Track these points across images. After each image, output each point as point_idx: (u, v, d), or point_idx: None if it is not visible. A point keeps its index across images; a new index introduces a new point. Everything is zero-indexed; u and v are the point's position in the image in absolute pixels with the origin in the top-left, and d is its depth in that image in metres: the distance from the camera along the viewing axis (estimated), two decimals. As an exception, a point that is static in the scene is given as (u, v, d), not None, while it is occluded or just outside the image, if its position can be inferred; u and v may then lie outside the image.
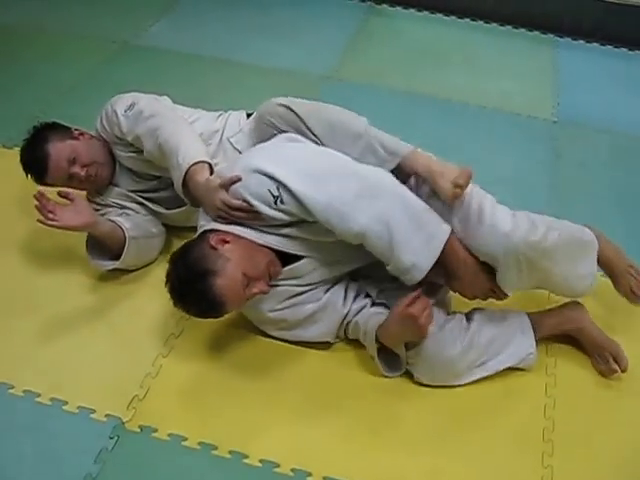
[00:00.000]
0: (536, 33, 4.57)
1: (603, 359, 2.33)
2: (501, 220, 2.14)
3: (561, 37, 4.53)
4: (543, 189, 3.20)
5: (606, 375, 2.33)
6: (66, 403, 2.17)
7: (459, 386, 2.26)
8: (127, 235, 2.47)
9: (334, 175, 2.06)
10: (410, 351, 2.19)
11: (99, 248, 2.51)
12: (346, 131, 2.28)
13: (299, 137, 2.26)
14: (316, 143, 2.26)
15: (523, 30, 4.59)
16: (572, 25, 4.53)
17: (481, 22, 4.63)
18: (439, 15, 4.68)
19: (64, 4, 4.47)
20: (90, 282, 2.58)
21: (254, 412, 2.18)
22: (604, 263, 2.44)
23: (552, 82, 4.06)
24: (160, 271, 2.56)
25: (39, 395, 2.18)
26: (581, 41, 4.52)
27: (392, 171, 2.21)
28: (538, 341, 2.31)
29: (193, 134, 2.41)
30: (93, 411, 2.15)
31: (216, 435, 2.11)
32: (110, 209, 2.64)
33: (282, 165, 2.05)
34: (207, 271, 1.98)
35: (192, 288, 2.00)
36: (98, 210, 2.63)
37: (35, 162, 2.49)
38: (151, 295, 2.46)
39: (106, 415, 2.14)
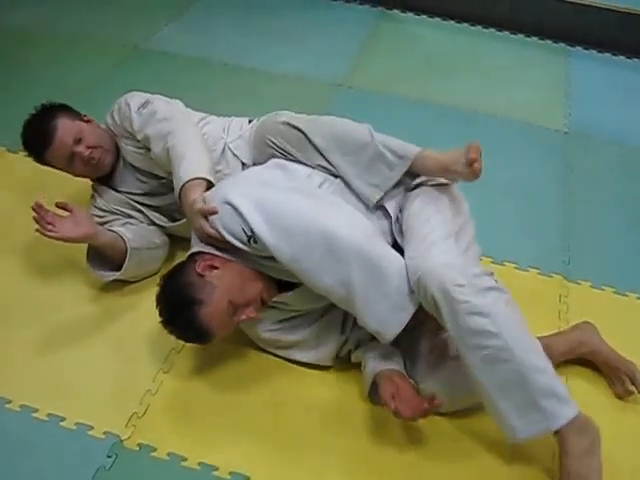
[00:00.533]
0: (548, 42, 4.51)
1: (619, 380, 2.25)
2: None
3: (572, 46, 4.47)
4: (554, 202, 3.13)
5: (622, 396, 2.24)
6: (64, 419, 2.08)
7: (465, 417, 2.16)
8: (128, 246, 2.39)
9: (303, 230, 1.93)
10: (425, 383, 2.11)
11: (100, 259, 2.44)
12: (352, 141, 2.21)
13: (288, 165, 2.18)
14: (322, 157, 2.19)
15: (535, 39, 4.53)
16: (584, 35, 4.48)
17: (493, 30, 4.57)
18: (451, 22, 4.62)
19: (74, 7, 4.41)
20: (90, 292, 2.49)
21: (257, 433, 2.10)
22: (590, 355, 2.30)
23: (563, 92, 3.99)
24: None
25: (36, 410, 2.09)
26: (593, 51, 4.46)
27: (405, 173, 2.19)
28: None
29: (200, 146, 2.33)
30: (91, 428, 2.06)
31: (217, 456, 2.02)
32: (113, 217, 2.57)
33: (257, 210, 1.95)
34: (192, 300, 1.94)
35: (178, 317, 1.98)
36: (101, 217, 2.56)
37: (40, 134, 2.41)
38: (152, 307, 2.33)
39: (104, 432, 2.05)
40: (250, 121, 2.57)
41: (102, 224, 2.51)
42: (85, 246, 2.42)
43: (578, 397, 2.10)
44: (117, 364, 2.25)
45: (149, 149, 2.41)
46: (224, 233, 1.96)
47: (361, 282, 1.93)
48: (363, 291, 1.93)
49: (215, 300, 1.94)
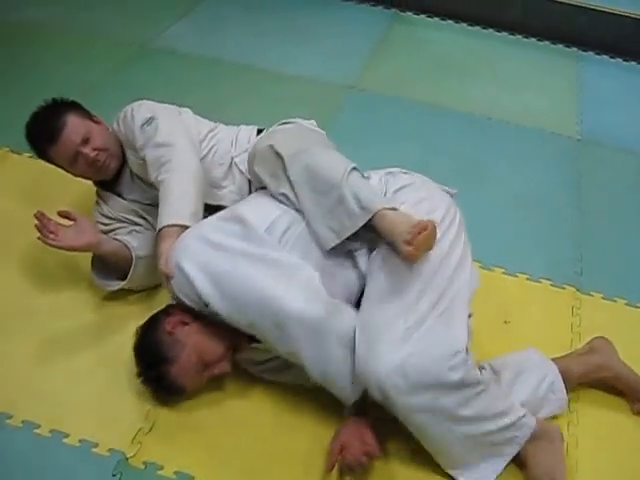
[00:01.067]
0: (559, 46, 4.42)
1: (639, 400, 2.18)
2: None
3: (584, 51, 4.37)
4: (567, 212, 3.04)
5: None
6: (67, 436, 1.99)
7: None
8: (134, 255, 2.30)
9: (254, 304, 1.85)
10: None
11: (104, 267, 2.35)
12: (322, 180, 1.98)
13: (247, 218, 1.97)
14: (291, 189, 2.02)
15: (547, 43, 4.43)
16: (596, 40, 4.38)
17: (505, 33, 4.47)
18: (463, 25, 4.52)
19: (82, 5, 4.29)
20: (95, 301, 2.40)
21: (268, 453, 2.00)
22: (612, 380, 2.22)
23: (575, 98, 3.90)
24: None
25: (39, 426, 2.00)
26: (604, 56, 4.37)
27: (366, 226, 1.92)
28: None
29: (191, 184, 2.17)
30: (96, 445, 1.97)
31: (226, 475, 1.94)
32: (119, 224, 2.47)
33: (208, 281, 1.89)
34: (161, 358, 1.94)
35: (149, 374, 1.99)
36: (107, 225, 2.47)
37: (48, 129, 2.31)
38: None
39: (109, 450, 1.96)
40: (259, 131, 2.49)
41: (107, 232, 2.43)
42: (89, 253, 2.33)
43: (596, 415, 2.17)
44: (122, 378, 2.15)
45: None
46: (181, 296, 1.94)
47: (310, 359, 1.87)
48: (315, 366, 1.88)
49: (183, 358, 1.93)
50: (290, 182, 2.01)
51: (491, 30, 4.47)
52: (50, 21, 4.09)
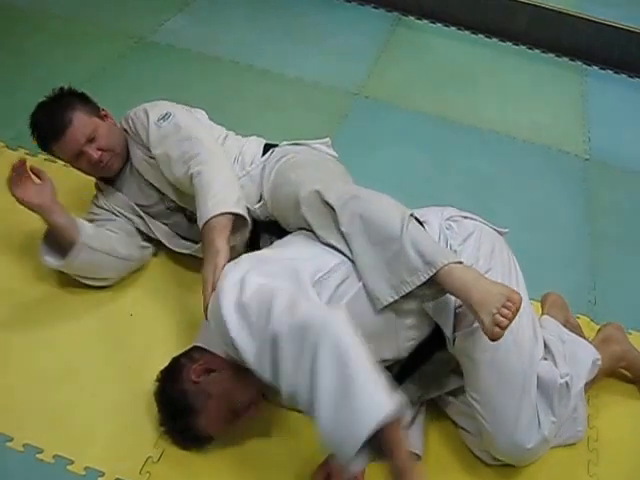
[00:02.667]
0: (564, 59, 4.39)
1: None
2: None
3: (589, 65, 4.35)
4: (578, 236, 3.00)
5: None
6: (71, 462, 1.88)
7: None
8: (80, 240, 2.19)
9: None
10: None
11: (55, 245, 2.23)
12: (379, 231, 1.85)
13: (301, 276, 1.81)
14: (344, 241, 1.90)
15: (552, 55, 4.41)
16: (602, 54, 4.35)
17: (509, 43, 4.44)
18: (466, 32, 4.47)
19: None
20: (98, 313, 2.30)
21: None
22: (627, 367, 2.30)
23: (581, 114, 3.87)
24: (177, 303, 2.34)
25: (41, 451, 1.89)
26: (609, 71, 4.35)
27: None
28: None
29: (228, 173, 2.15)
30: (102, 474, 1.86)
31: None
32: (110, 217, 2.41)
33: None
34: (187, 410, 1.83)
35: (174, 424, 1.89)
36: (96, 214, 2.41)
37: (53, 124, 2.24)
38: (167, 335, 2.17)
39: (116, 479, 1.86)
40: (265, 147, 2.38)
41: (91, 220, 2.36)
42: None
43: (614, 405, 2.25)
44: (130, 401, 2.04)
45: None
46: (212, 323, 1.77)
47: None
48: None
49: (211, 409, 1.83)
50: (343, 235, 1.89)
51: (495, 39, 4.43)
52: (45, 12, 3.94)
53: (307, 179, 2.02)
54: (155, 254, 2.50)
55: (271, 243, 2.10)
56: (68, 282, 2.33)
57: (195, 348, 1.92)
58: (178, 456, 1.93)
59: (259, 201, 2.22)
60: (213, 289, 1.80)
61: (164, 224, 2.43)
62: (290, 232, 2.08)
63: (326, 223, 1.92)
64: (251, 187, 2.25)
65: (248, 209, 2.14)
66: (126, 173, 2.41)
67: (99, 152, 2.27)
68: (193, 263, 2.43)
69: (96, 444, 1.93)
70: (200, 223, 2.01)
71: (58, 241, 2.21)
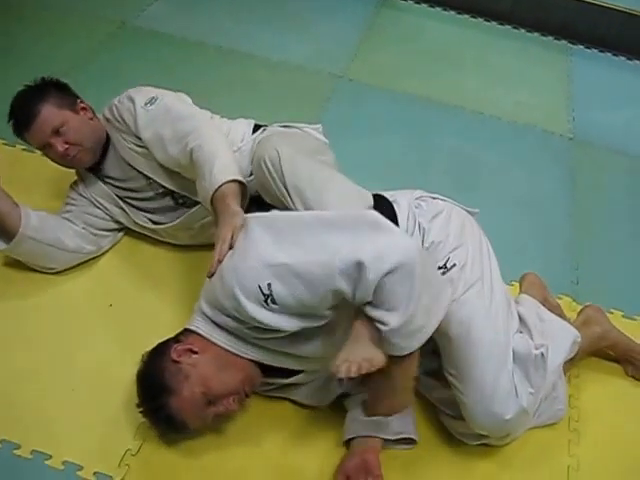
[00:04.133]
0: (550, 38, 4.33)
1: (632, 365, 2.28)
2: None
3: (574, 44, 4.29)
4: (561, 216, 2.97)
5: (637, 378, 2.29)
6: (49, 457, 1.85)
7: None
8: (20, 231, 2.18)
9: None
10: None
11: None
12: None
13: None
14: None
15: (537, 34, 4.34)
16: (587, 33, 4.29)
17: (495, 23, 4.37)
18: (452, 12, 4.40)
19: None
20: (77, 306, 2.27)
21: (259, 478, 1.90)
22: (609, 347, 2.31)
23: (566, 94, 3.82)
24: (157, 293, 2.31)
25: (19, 447, 1.86)
26: (594, 50, 4.29)
27: None
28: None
29: (227, 145, 2.13)
30: (80, 467, 1.84)
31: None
32: (86, 204, 2.40)
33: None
34: (161, 388, 1.77)
35: (147, 403, 1.83)
36: (74, 200, 2.40)
37: (21, 114, 2.24)
38: (148, 322, 2.14)
39: (95, 473, 1.83)
40: (256, 127, 2.38)
41: (69, 206, 2.39)
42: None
43: (596, 382, 2.25)
44: (108, 395, 2.02)
45: (145, 147, 2.23)
46: (238, 293, 1.69)
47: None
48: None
49: (185, 391, 1.76)
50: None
51: (480, 19, 4.36)
52: (24, 2, 3.85)
53: (281, 144, 2.02)
54: (127, 239, 2.50)
55: None
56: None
57: (184, 331, 1.86)
58: (157, 449, 1.91)
59: (250, 175, 2.19)
60: (230, 248, 1.77)
61: (148, 211, 2.41)
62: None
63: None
64: (242, 162, 2.23)
65: None
66: (111, 160, 2.37)
67: (65, 145, 2.24)
68: (174, 252, 2.41)
69: (74, 438, 1.91)
70: (209, 192, 1.96)
71: (1, 227, 2.20)
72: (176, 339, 1.84)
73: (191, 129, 2.11)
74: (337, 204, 1.88)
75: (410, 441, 1.98)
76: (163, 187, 2.32)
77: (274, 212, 1.86)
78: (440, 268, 1.88)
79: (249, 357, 1.80)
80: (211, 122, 2.25)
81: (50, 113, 2.21)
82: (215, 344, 1.80)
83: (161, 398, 1.76)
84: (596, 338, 2.24)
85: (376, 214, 1.70)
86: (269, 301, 1.66)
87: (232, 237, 1.79)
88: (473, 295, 1.87)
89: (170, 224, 2.36)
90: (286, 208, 1.94)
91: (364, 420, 1.92)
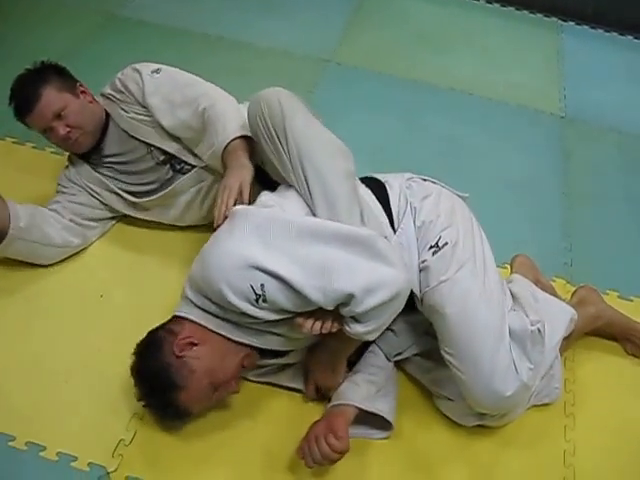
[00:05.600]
0: (539, 16, 4.30)
1: (630, 342, 2.29)
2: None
3: (564, 21, 4.26)
4: (554, 196, 2.95)
5: (636, 355, 2.30)
6: (44, 448, 1.85)
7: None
8: (10, 232, 2.15)
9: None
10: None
11: None
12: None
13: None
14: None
15: (526, 12, 4.30)
16: (577, 10, 4.25)
17: (482, 1, 4.33)
18: (439, -8, 4.34)
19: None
20: (67, 298, 2.26)
21: (257, 468, 1.89)
22: (605, 327, 2.31)
23: (557, 72, 3.80)
24: (148, 284, 2.31)
25: (13, 439, 1.86)
26: (585, 27, 4.26)
27: None
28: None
29: (237, 107, 2.19)
30: (75, 458, 1.84)
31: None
32: (78, 192, 2.41)
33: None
34: (170, 385, 1.76)
35: (154, 399, 1.83)
36: (65, 188, 2.42)
37: (22, 99, 2.26)
38: (139, 313, 2.14)
39: (89, 463, 1.83)
40: None
41: (59, 193, 2.41)
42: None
43: (593, 361, 2.26)
44: (101, 385, 2.02)
45: (145, 115, 2.30)
46: (228, 293, 1.69)
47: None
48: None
49: (194, 384, 1.77)
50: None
51: (467, -1, 4.33)
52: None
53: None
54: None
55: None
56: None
57: (174, 319, 1.85)
58: (150, 438, 1.91)
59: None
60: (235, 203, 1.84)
61: (142, 184, 2.41)
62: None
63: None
64: None
65: None
66: (110, 136, 2.39)
67: (67, 129, 2.27)
68: (167, 241, 2.43)
69: (68, 429, 1.91)
70: (222, 144, 2.05)
71: None
72: (169, 330, 1.82)
73: (202, 92, 2.21)
74: (323, 155, 1.86)
75: (385, 427, 1.96)
76: (164, 154, 2.34)
77: (267, 210, 1.84)
78: (432, 247, 1.90)
79: (241, 340, 1.81)
80: (211, 85, 2.30)
81: (51, 97, 2.24)
82: (210, 331, 1.80)
83: (170, 395, 1.77)
84: (591, 317, 2.24)
85: (374, 237, 1.73)
86: (260, 300, 1.68)
87: (239, 188, 1.88)
88: (466, 273, 1.87)
89: (163, 192, 2.37)
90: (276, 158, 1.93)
91: (339, 390, 1.95)
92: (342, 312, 1.71)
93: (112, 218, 2.50)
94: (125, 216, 2.49)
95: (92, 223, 2.43)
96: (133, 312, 2.20)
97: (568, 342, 2.17)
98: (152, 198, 2.39)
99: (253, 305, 1.69)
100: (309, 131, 1.87)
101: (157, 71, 2.32)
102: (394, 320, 1.95)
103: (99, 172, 2.40)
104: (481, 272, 1.90)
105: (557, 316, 2.06)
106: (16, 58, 3.17)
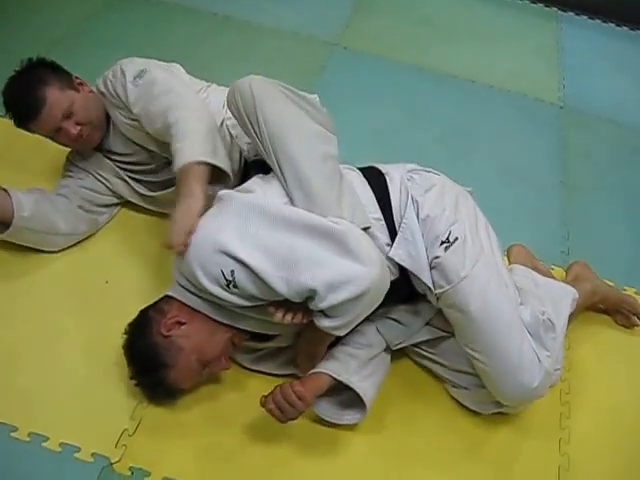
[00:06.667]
0: (539, 5, 4.19)
1: (622, 315, 2.29)
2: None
3: (564, 11, 4.14)
4: (552, 185, 2.88)
5: (628, 327, 2.30)
6: (47, 439, 1.76)
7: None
8: (13, 222, 2.06)
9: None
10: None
11: None
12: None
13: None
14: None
15: (527, 2, 4.19)
16: (576, 0, 4.12)
17: (484, -11, 4.19)
18: (444, -20, 4.21)
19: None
20: (72, 284, 2.15)
21: (259, 456, 1.81)
22: (600, 301, 2.30)
23: (556, 61, 3.70)
24: (154, 271, 2.21)
25: (15, 429, 1.76)
26: (584, 17, 4.15)
27: None
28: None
29: (203, 121, 1.98)
30: (78, 449, 1.75)
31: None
32: (84, 175, 2.29)
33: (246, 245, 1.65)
34: (158, 364, 1.73)
35: (144, 378, 1.79)
36: (71, 172, 2.30)
37: (26, 104, 2.07)
38: (143, 300, 2.01)
39: (92, 454, 1.74)
40: None
41: (65, 178, 2.29)
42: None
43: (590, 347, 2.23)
44: (105, 375, 1.92)
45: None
46: (200, 275, 1.66)
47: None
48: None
49: (182, 362, 1.73)
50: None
51: (471, -15, 4.19)
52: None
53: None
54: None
55: None
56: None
57: (165, 298, 1.80)
58: (154, 428, 1.82)
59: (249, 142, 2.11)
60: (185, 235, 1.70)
61: (149, 182, 2.31)
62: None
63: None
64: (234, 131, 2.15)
65: (240, 150, 2.15)
66: (113, 135, 2.25)
67: (78, 127, 2.12)
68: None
69: (71, 419, 1.81)
70: (176, 167, 1.87)
71: None
72: (158, 310, 1.77)
73: (170, 104, 1.98)
74: (295, 140, 1.78)
75: (359, 407, 1.86)
76: (166, 158, 2.20)
77: (249, 196, 1.76)
78: (443, 242, 1.81)
79: (223, 322, 1.76)
80: (195, 97, 2.11)
81: (57, 97, 2.08)
82: (197, 311, 1.75)
83: (158, 373, 1.73)
84: (588, 293, 2.22)
85: (346, 232, 1.66)
86: (231, 286, 1.64)
87: (186, 222, 1.72)
88: (482, 268, 1.81)
89: (171, 189, 2.22)
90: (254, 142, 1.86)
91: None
92: (310, 306, 1.65)
93: (118, 204, 2.38)
94: (130, 201, 2.37)
95: (101, 209, 2.31)
96: (138, 299, 2.07)
97: (570, 319, 2.11)
98: (161, 193, 2.28)
99: (224, 289, 1.65)
100: (281, 115, 1.79)
101: (140, 75, 2.09)
102: (396, 309, 1.93)
103: (109, 159, 2.29)
104: (493, 263, 1.84)
105: (560, 298, 2.02)
106: (21, 36, 3.09)
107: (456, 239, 1.81)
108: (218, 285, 1.65)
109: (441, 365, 2.01)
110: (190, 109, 1.99)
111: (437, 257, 1.79)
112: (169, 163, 2.18)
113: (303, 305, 1.68)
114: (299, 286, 1.61)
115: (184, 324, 1.74)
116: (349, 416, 1.87)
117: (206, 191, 1.84)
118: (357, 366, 1.87)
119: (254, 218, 1.67)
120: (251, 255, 1.61)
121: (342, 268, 1.61)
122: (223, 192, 1.77)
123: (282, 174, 1.76)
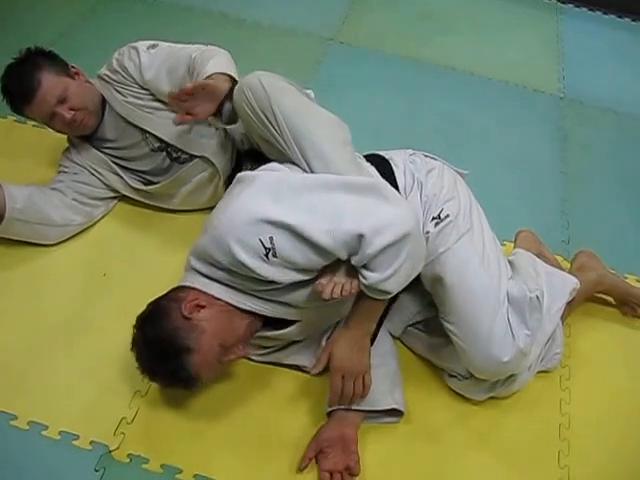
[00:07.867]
0: (539, -4, 4.19)
1: (628, 306, 2.31)
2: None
3: (564, 3, 4.16)
4: (552, 175, 2.90)
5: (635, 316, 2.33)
6: (46, 427, 1.81)
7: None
8: (6, 215, 2.11)
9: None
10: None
11: None
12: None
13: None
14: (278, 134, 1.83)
15: (526, -7, 4.19)
16: (576, -9, 4.15)
17: (483, -18, 4.21)
18: (439, -30, 4.24)
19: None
20: (70, 276, 2.20)
21: (256, 443, 1.85)
22: (606, 292, 2.34)
23: (556, 53, 3.71)
24: (152, 264, 2.24)
25: (15, 418, 1.81)
26: (584, 8, 4.16)
27: None
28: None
29: (228, 56, 2.17)
30: (77, 437, 1.80)
31: (215, 466, 1.78)
32: (80, 171, 2.34)
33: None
34: (180, 348, 1.68)
35: (164, 366, 1.72)
36: (67, 168, 2.35)
37: (21, 89, 2.14)
38: (141, 293, 2.07)
39: (91, 442, 1.79)
40: None
41: (61, 173, 2.34)
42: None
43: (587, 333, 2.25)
44: (103, 364, 1.97)
45: (142, 99, 2.25)
46: (236, 248, 1.63)
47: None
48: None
49: (205, 345, 1.69)
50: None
51: (469, -21, 4.22)
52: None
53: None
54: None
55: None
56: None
57: (177, 289, 1.79)
58: (152, 416, 1.86)
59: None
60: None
61: (141, 172, 2.36)
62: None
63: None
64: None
65: (233, 141, 2.29)
66: (106, 121, 2.31)
67: (72, 112, 2.18)
68: (170, 220, 2.37)
69: (70, 408, 1.86)
70: (204, 75, 2.01)
71: None
72: (173, 297, 1.76)
73: (195, 48, 2.17)
74: (316, 128, 1.81)
75: (394, 413, 1.92)
76: (159, 141, 2.27)
77: (275, 173, 1.79)
78: (434, 219, 1.88)
79: (247, 308, 1.75)
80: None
81: (51, 82, 2.15)
82: (215, 297, 1.74)
83: (180, 358, 1.68)
84: (592, 283, 2.24)
85: (380, 183, 1.73)
86: (270, 255, 1.62)
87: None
88: (466, 243, 1.87)
89: (164, 182, 2.32)
90: (269, 140, 1.87)
91: None
92: (354, 262, 1.65)
93: (114, 197, 2.43)
94: (127, 195, 2.42)
95: (96, 202, 2.36)
96: (136, 291, 2.12)
97: (571, 307, 2.15)
98: (154, 187, 2.34)
99: (264, 261, 1.63)
100: (298, 107, 1.82)
101: (153, 46, 2.24)
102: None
103: (102, 152, 2.34)
104: (479, 242, 1.90)
105: (558, 286, 2.05)
106: (19, 33, 3.13)
107: (447, 216, 1.88)
108: (257, 257, 1.62)
109: (434, 351, 2.06)
110: (212, 47, 2.17)
111: (427, 232, 1.86)
112: (161, 149, 2.28)
113: (346, 272, 1.69)
114: (345, 234, 1.61)
115: (204, 307, 1.73)
116: (388, 420, 1.93)
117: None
118: (391, 382, 1.93)
119: (287, 186, 1.69)
120: (290, 215, 1.61)
121: (384, 213, 1.64)
122: (245, 172, 1.79)
123: (308, 164, 1.77)
